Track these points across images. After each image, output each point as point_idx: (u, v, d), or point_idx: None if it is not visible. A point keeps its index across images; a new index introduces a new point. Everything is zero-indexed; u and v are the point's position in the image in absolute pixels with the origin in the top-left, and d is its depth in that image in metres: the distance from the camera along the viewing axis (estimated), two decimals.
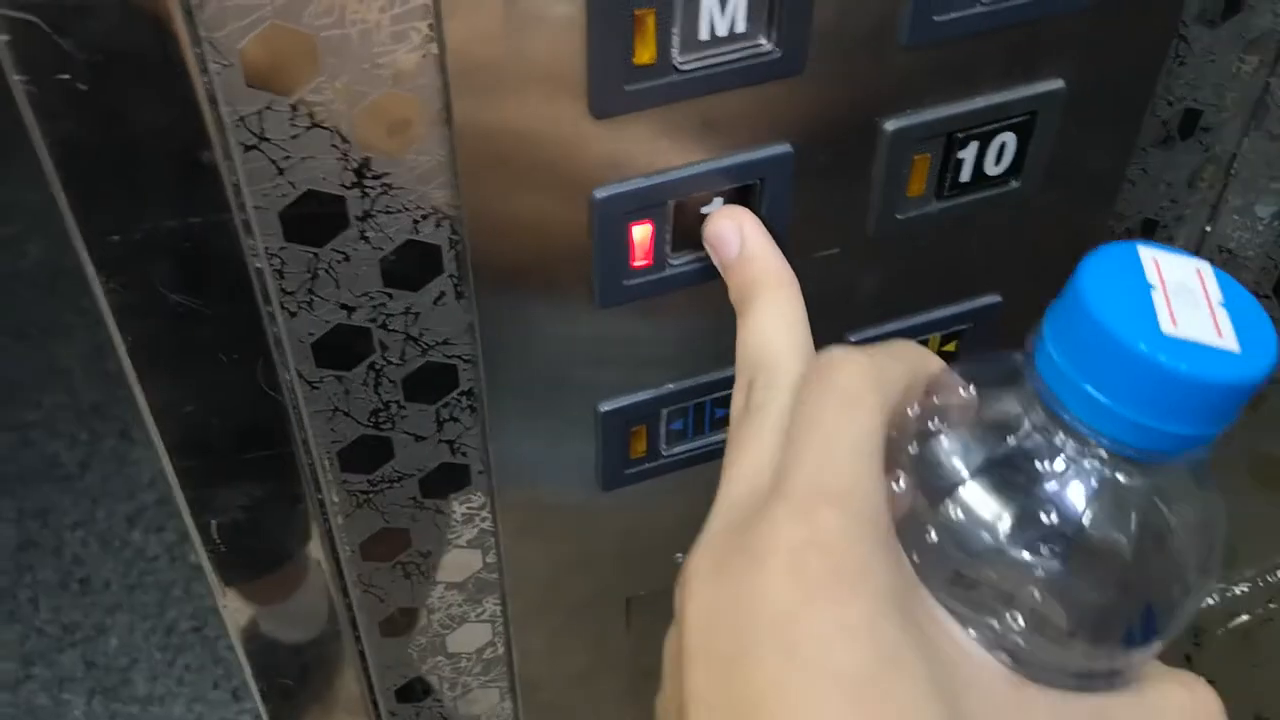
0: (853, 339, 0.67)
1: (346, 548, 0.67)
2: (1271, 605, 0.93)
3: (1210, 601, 0.91)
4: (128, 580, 2.27)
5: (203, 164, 0.48)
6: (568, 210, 0.56)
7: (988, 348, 0.70)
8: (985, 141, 0.61)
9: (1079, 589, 0.41)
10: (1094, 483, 0.40)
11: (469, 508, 0.69)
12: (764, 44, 0.54)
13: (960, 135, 0.61)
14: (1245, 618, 0.97)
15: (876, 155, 0.60)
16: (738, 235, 0.56)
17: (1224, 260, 0.72)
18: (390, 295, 0.56)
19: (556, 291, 0.60)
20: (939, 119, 0.60)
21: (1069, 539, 0.40)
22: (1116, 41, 0.61)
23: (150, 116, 0.47)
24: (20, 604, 2.23)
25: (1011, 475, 0.41)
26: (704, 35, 0.53)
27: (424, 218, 0.54)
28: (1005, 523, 0.41)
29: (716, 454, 0.70)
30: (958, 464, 0.42)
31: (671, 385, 0.67)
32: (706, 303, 0.63)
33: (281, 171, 0.50)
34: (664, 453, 0.70)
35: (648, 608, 0.81)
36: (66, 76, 0.44)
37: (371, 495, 0.65)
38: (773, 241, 0.56)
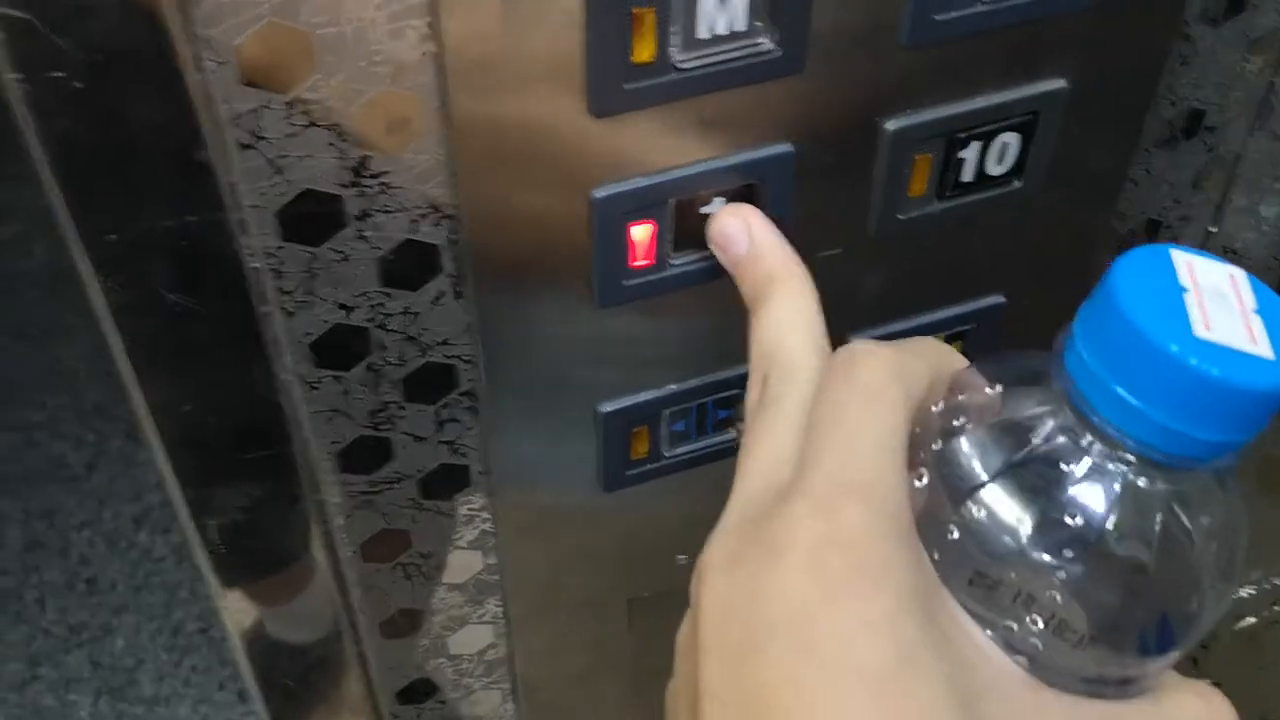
0: (856, 339, 0.67)
1: (347, 549, 0.67)
2: (1276, 608, 0.93)
3: None
4: (134, 581, 2.27)
5: (199, 163, 0.48)
6: (567, 209, 0.56)
7: (992, 348, 0.70)
8: (987, 141, 0.61)
9: (1099, 593, 0.41)
10: (1119, 487, 0.40)
11: (469, 509, 0.68)
12: (764, 43, 0.53)
13: (962, 135, 0.60)
14: (1251, 620, 0.96)
15: (878, 155, 0.60)
16: (745, 233, 0.56)
17: (1229, 261, 0.72)
18: (389, 295, 0.56)
19: (556, 291, 0.59)
20: (940, 119, 0.59)
21: (1091, 543, 0.40)
22: (1119, 41, 0.60)
23: (146, 114, 0.46)
24: (27, 605, 2.23)
25: (1035, 476, 0.41)
26: (703, 33, 0.52)
27: (422, 217, 0.54)
28: (1027, 524, 0.40)
29: (719, 455, 0.70)
30: (981, 463, 0.42)
31: (673, 386, 0.66)
32: (708, 303, 0.63)
33: (278, 170, 0.50)
34: (666, 454, 0.70)
35: (650, 609, 0.81)
36: (61, 74, 0.44)
37: (371, 496, 0.65)
38: (781, 236, 0.56)
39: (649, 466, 0.70)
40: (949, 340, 0.70)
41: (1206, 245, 0.72)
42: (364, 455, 0.63)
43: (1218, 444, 0.38)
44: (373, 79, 0.49)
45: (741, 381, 0.66)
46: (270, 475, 0.62)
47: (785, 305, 0.53)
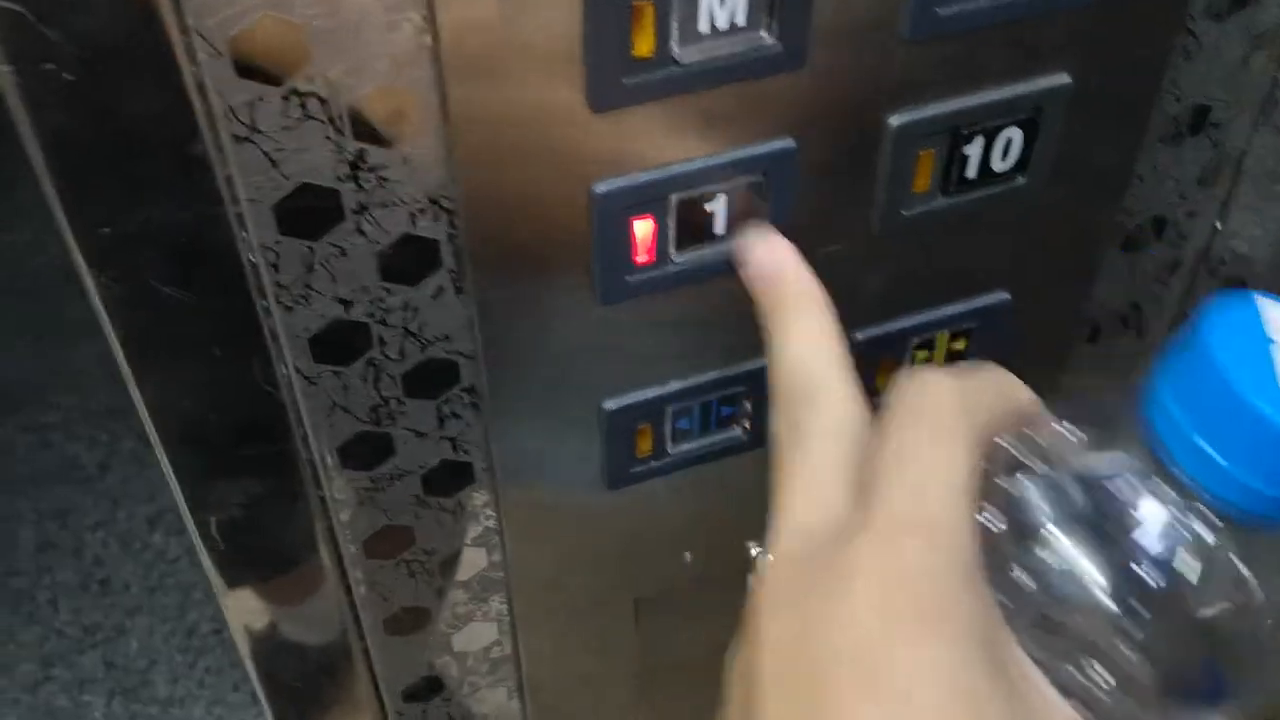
0: (859, 337, 0.67)
1: (350, 546, 0.67)
2: None
3: None
4: (148, 582, 2.27)
5: (194, 156, 0.48)
6: (568, 204, 0.56)
7: (997, 346, 0.70)
8: (991, 137, 0.61)
9: (1164, 645, 0.40)
10: (1191, 539, 0.39)
11: (473, 506, 0.68)
12: (764, 37, 0.53)
13: (965, 131, 0.60)
14: None
15: (881, 151, 0.59)
16: (768, 255, 0.56)
17: (1235, 259, 0.71)
18: (388, 290, 0.56)
19: (557, 287, 0.59)
20: (944, 114, 0.59)
21: (1159, 593, 0.39)
22: (1123, 36, 0.60)
23: (139, 107, 0.46)
24: (40, 605, 2.23)
25: (1105, 522, 0.40)
26: (703, 28, 0.52)
27: (421, 211, 0.54)
28: (1095, 570, 0.40)
29: (724, 453, 0.70)
30: (1050, 504, 0.41)
31: (677, 383, 0.66)
32: (712, 299, 0.63)
33: (275, 164, 0.49)
34: (670, 451, 0.70)
35: (656, 609, 0.81)
36: (52, 66, 0.44)
37: (373, 492, 0.65)
38: (801, 259, 0.55)
39: (653, 464, 0.70)
40: (954, 337, 0.69)
41: (1213, 242, 0.71)
42: (365, 451, 0.63)
43: None
44: (369, 72, 0.49)
45: (746, 379, 0.66)
46: (271, 472, 0.62)
47: (804, 327, 0.52)
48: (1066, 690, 0.40)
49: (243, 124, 0.48)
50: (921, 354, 0.69)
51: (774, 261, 0.56)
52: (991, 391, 0.46)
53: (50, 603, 2.23)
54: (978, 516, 0.42)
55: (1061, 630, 0.40)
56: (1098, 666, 0.40)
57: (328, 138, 0.50)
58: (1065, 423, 0.43)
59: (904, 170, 0.60)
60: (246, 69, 0.46)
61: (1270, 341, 0.37)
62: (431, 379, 0.61)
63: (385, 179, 0.52)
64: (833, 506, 0.44)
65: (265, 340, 0.56)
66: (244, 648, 0.72)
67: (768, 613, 0.43)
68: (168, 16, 0.44)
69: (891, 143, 0.59)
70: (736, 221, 0.59)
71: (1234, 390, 0.36)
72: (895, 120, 0.59)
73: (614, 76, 0.52)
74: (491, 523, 0.70)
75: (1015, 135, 0.61)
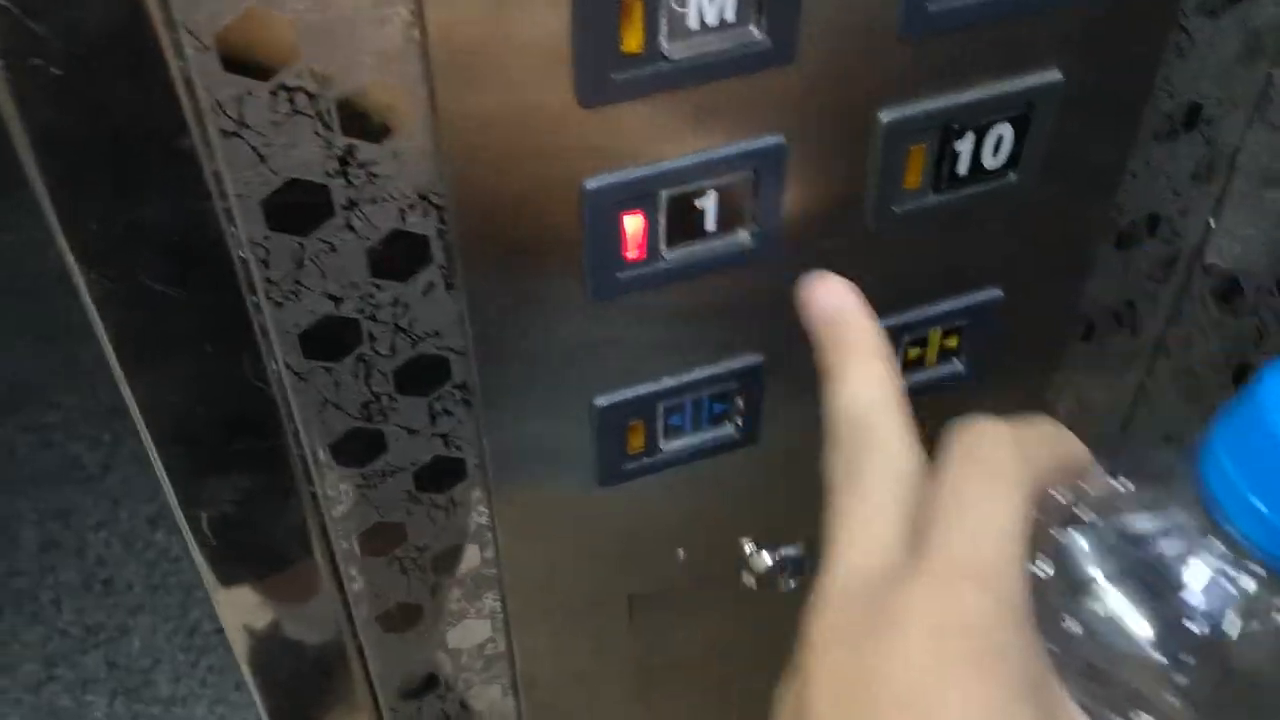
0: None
1: (342, 542, 0.67)
2: None
3: None
4: (150, 581, 2.27)
5: (182, 151, 0.48)
6: (558, 201, 0.56)
7: (990, 343, 0.70)
8: (982, 134, 0.61)
9: (1209, 695, 0.40)
10: (1242, 596, 0.39)
11: (465, 502, 0.68)
12: (754, 33, 0.53)
13: (956, 127, 0.60)
14: None
15: (872, 147, 0.59)
16: (830, 298, 0.55)
17: (1228, 256, 0.71)
18: (378, 286, 0.56)
19: (548, 284, 0.59)
20: (934, 110, 0.59)
21: (1209, 649, 0.40)
22: (1115, 33, 0.60)
23: (126, 101, 0.46)
24: (43, 605, 2.23)
25: (1157, 576, 0.40)
26: (693, 23, 0.52)
27: (411, 207, 0.54)
28: (1146, 624, 0.40)
29: (716, 450, 0.70)
30: (1102, 557, 0.42)
31: (668, 380, 0.66)
32: (703, 296, 0.63)
33: (263, 159, 0.49)
34: (663, 448, 0.70)
35: (650, 605, 0.81)
36: (39, 61, 0.44)
37: (365, 489, 0.65)
38: (866, 304, 0.55)
39: (646, 461, 0.70)
40: (946, 335, 0.69)
41: (1207, 239, 0.71)
42: (357, 448, 0.63)
43: None
44: (357, 67, 0.49)
45: (738, 375, 0.66)
46: (262, 468, 0.62)
47: (864, 372, 0.52)
48: None
49: (231, 119, 0.48)
50: (914, 350, 0.69)
51: (833, 304, 0.55)
52: (1045, 443, 0.46)
53: (53, 602, 2.24)
54: (1029, 565, 0.42)
55: (1109, 679, 0.41)
56: (1144, 716, 0.40)
57: (316, 133, 0.50)
58: (1117, 476, 0.44)
59: (895, 166, 0.60)
60: (234, 64, 0.46)
61: None
62: (423, 375, 0.61)
63: (375, 174, 0.52)
64: (887, 549, 0.45)
65: (255, 336, 0.56)
66: (237, 644, 0.72)
67: (821, 650, 0.44)
68: (154, 11, 0.44)
69: (882, 139, 0.59)
70: (728, 218, 0.59)
71: None
72: (886, 116, 0.59)
73: (603, 72, 0.52)
74: (484, 519, 0.70)
75: (1006, 132, 0.61)
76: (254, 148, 0.49)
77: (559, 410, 0.66)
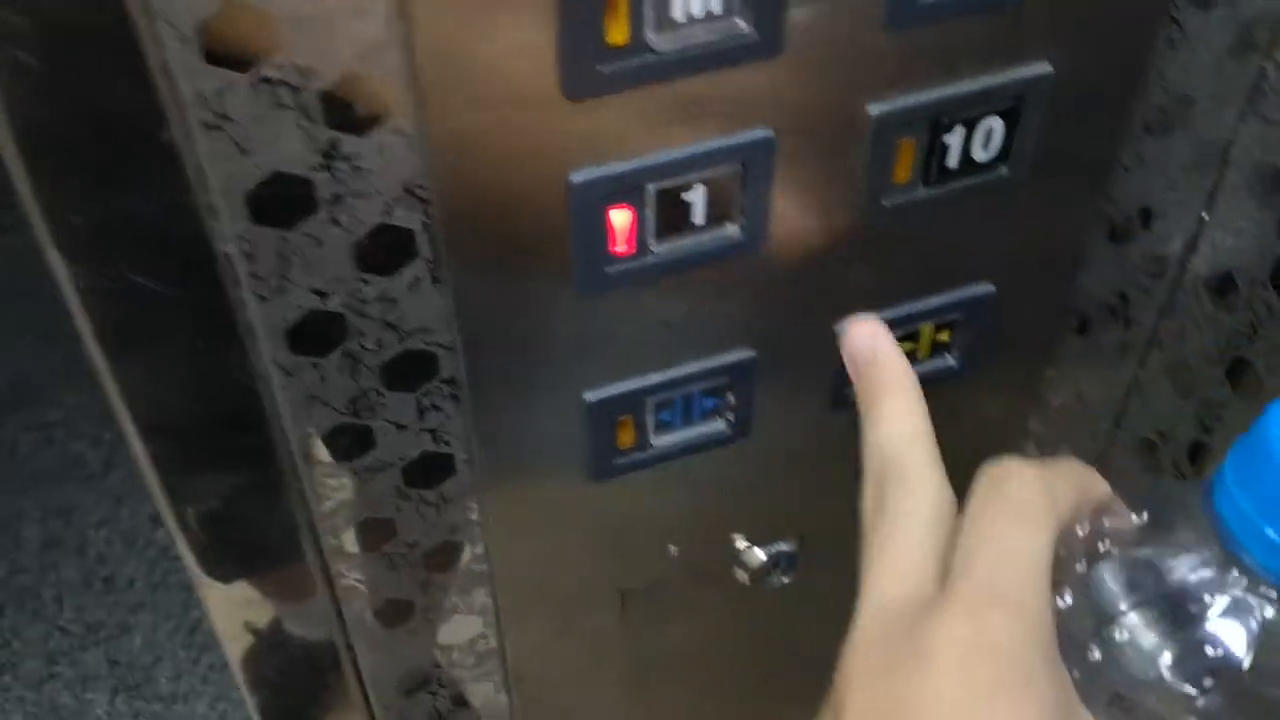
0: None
1: (331, 538, 0.67)
2: None
3: None
4: (152, 579, 2.27)
5: (163, 144, 0.47)
6: (544, 194, 0.56)
7: (982, 338, 0.69)
8: (972, 126, 0.60)
9: None
10: (1260, 623, 0.41)
11: (455, 498, 0.68)
12: (740, 24, 0.53)
13: (946, 120, 0.60)
14: None
15: (860, 141, 0.59)
16: (870, 341, 0.58)
17: (1222, 248, 0.71)
18: (365, 280, 0.56)
19: (536, 278, 0.59)
20: (924, 103, 0.59)
21: (1231, 676, 0.41)
22: (1105, 24, 0.60)
23: (105, 93, 0.46)
24: (44, 603, 2.23)
25: (1178, 606, 0.42)
26: (678, 15, 0.52)
27: (396, 201, 0.54)
28: (1168, 653, 0.42)
29: (707, 445, 0.70)
30: (1125, 588, 0.43)
31: (658, 375, 0.66)
32: (693, 290, 0.62)
33: (245, 152, 0.49)
34: (653, 444, 0.69)
35: (642, 602, 0.81)
36: (17, 54, 0.43)
37: (354, 485, 0.64)
38: (895, 343, 0.58)
39: (637, 456, 0.70)
40: (937, 330, 0.69)
41: (1200, 233, 0.71)
42: (345, 443, 0.62)
43: None
44: (340, 59, 0.48)
45: (728, 371, 0.66)
46: (249, 464, 0.61)
47: (899, 412, 0.54)
48: None
49: (212, 112, 0.47)
50: (905, 345, 0.69)
51: (869, 345, 0.58)
52: (1070, 481, 0.49)
53: (55, 600, 2.23)
54: (1055, 597, 0.44)
55: (1133, 705, 0.42)
56: None
57: (299, 126, 0.49)
58: (1139, 512, 0.45)
59: (884, 160, 0.60)
60: (214, 55, 0.46)
61: None
62: (410, 370, 0.61)
63: (359, 168, 0.52)
64: (919, 582, 0.47)
65: (241, 332, 0.55)
66: (226, 641, 0.72)
67: (855, 682, 0.46)
68: (132, 2, 0.44)
69: (871, 132, 0.59)
70: (716, 212, 0.59)
71: None
72: (875, 109, 0.58)
73: (588, 64, 0.51)
74: (474, 515, 0.69)
75: (996, 125, 0.61)
76: (236, 141, 0.48)
77: (548, 405, 0.65)
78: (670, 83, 0.54)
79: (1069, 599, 0.44)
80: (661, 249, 0.60)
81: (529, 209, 0.56)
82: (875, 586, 0.48)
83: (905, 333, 0.69)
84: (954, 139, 0.60)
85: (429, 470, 0.66)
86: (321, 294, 0.55)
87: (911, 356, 0.70)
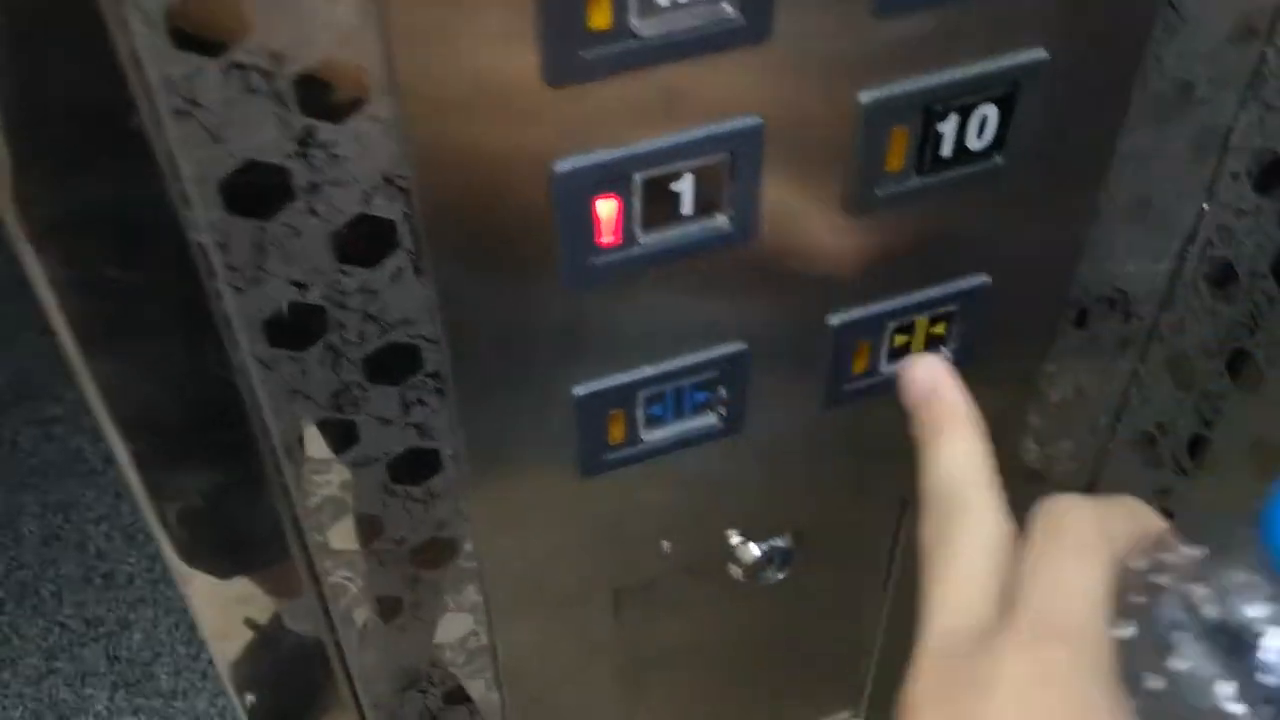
0: (834, 321, 0.65)
1: (316, 535, 0.66)
2: None
3: None
4: (152, 575, 2.27)
5: (132, 131, 0.46)
6: (528, 184, 0.54)
7: (978, 330, 0.68)
8: (966, 114, 0.59)
9: None
10: None
11: (442, 494, 0.67)
12: (726, 8, 0.51)
13: (939, 108, 0.58)
14: None
15: (852, 128, 0.58)
16: (931, 376, 0.59)
17: (1221, 238, 0.70)
18: (344, 272, 0.55)
19: (521, 270, 0.58)
20: (916, 90, 0.57)
21: None
22: (1102, 9, 0.58)
23: (72, 79, 0.45)
24: (44, 599, 2.23)
25: (1237, 635, 0.43)
26: None
27: (375, 190, 0.52)
28: (1226, 683, 0.42)
29: (699, 440, 0.69)
30: (1183, 618, 0.44)
31: (648, 368, 0.65)
32: (682, 281, 0.61)
33: (218, 140, 0.48)
34: (644, 439, 0.68)
35: (635, 598, 0.80)
36: None
37: (338, 481, 0.63)
38: (957, 379, 0.59)
39: (627, 451, 0.68)
40: (932, 323, 0.68)
41: (1200, 223, 0.70)
42: (328, 438, 0.61)
43: None
44: (314, 43, 0.47)
45: (719, 364, 0.65)
46: (230, 460, 0.60)
47: (958, 446, 0.55)
48: None
49: (182, 98, 0.46)
50: (900, 338, 0.68)
51: (929, 381, 0.58)
52: (1126, 516, 0.50)
53: (54, 596, 2.24)
54: (1114, 630, 0.46)
55: None
56: None
57: (273, 112, 0.48)
58: (1196, 545, 0.46)
59: (877, 149, 0.59)
60: (183, 40, 0.45)
61: None
62: (393, 364, 0.60)
63: (336, 156, 0.51)
64: (980, 611, 0.48)
65: (217, 324, 0.54)
66: (210, 640, 0.71)
67: (919, 709, 0.47)
68: None
69: (863, 120, 0.58)
70: (705, 201, 0.58)
71: None
72: (866, 96, 0.57)
73: (570, 49, 0.50)
74: (462, 511, 0.68)
75: (991, 113, 0.59)
76: (207, 128, 0.47)
77: (536, 400, 0.64)
78: (655, 69, 0.52)
79: (1128, 630, 0.45)
80: (649, 240, 0.58)
81: (512, 199, 0.55)
82: (937, 614, 0.50)
83: (900, 325, 0.68)
84: (948, 127, 0.59)
85: (415, 466, 0.65)
86: (300, 285, 0.54)
87: (907, 349, 0.69)
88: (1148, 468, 0.82)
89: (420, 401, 0.62)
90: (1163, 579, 0.46)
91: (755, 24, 0.52)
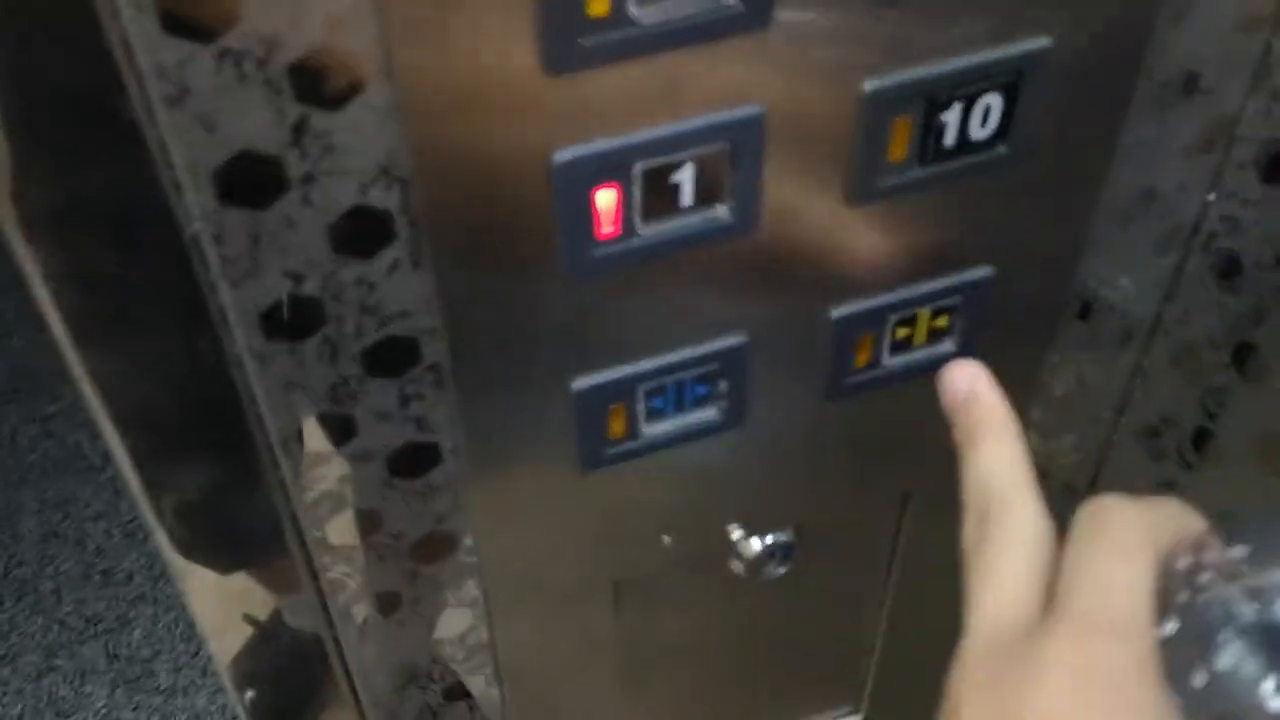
0: (836, 314, 0.65)
1: (314, 530, 0.65)
2: None
3: None
4: (151, 572, 2.27)
5: (124, 119, 0.46)
6: (527, 174, 0.54)
7: (981, 323, 0.68)
8: (969, 103, 0.59)
9: None
10: None
11: (441, 488, 0.66)
12: None
13: (942, 97, 0.58)
14: None
15: (854, 118, 0.57)
16: (968, 381, 0.60)
17: (1227, 229, 0.69)
18: (341, 263, 0.54)
19: (520, 262, 0.57)
20: (919, 79, 0.57)
21: None
22: None
23: (61, 67, 0.44)
24: (43, 596, 2.23)
25: (1273, 630, 0.44)
26: None
27: (372, 180, 0.52)
28: (1272, 677, 0.43)
29: (700, 434, 0.68)
30: (1227, 615, 0.45)
31: (648, 362, 0.64)
32: (683, 273, 0.61)
33: (210, 129, 0.47)
34: (644, 433, 0.68)
35: (636, 593, 0.79)
36: None
37: (337, 475, 0.63)
38: (994, 384, 0.60)
39: (628, 445, 0.68)
40: (935, 315, 0.67)
41: (1205, 214, 0.69)
42: (326, 432, 0.61)
43: None
44: (308, 29, 0.46)
45: (720, 357, 0.64)
46: (227, 454, 0.60)
47: (998, 449, 0.57)
48: None
49: (173, 85, 0.45)
50: (902, 331, 0.67)
51: (968, 385, 0.60)
52: (1168, 516, 0.51)
53: (53, 593, 2.23)
54: (1159, 626, 0.46)
55: None
56: None
57: (267, 101, 0.47)
58: (1239, 544, 0.47)
59: (879, 138, 0.58)
60: (174, 25, 0.44)
61: None
62: (392, 357, 0.59)
63: (331, 145, 0.50)
64: (1024, 606, 0.50)
65: (213, 317, 0.54)
66: (209, 636, 0.70)
67: (967, 700, 0.48)
68: None
69: (865, 109, 0.57)
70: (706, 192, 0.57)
71: None
72: (868, 85, 0.56)
73: (569, 37, 0.50)
74: (462, 506, 0.68)
75: (994, 101, 0.59)
76: (199, 116, 0.47)
77: (536, 394, 0.64)
78: (655, 57, 0.52)
79: (1172, 627, 0.46)
80: (649, 231, 0.58)
81: (511, 189, 0.54)
82: (982, 607, 0.51)
83: (902, 317, 0.67)
84: (951, 116, 0.59)
85: (414, 459, 0.64)
86: (296, 277, 0.54)
87: (909, 342, 0.68)
88: (1151, 461, 0.81)
89: (419, 395, 0.61)
90: (1204, 578, 0.47)
91: (756, 11, 0.52)
